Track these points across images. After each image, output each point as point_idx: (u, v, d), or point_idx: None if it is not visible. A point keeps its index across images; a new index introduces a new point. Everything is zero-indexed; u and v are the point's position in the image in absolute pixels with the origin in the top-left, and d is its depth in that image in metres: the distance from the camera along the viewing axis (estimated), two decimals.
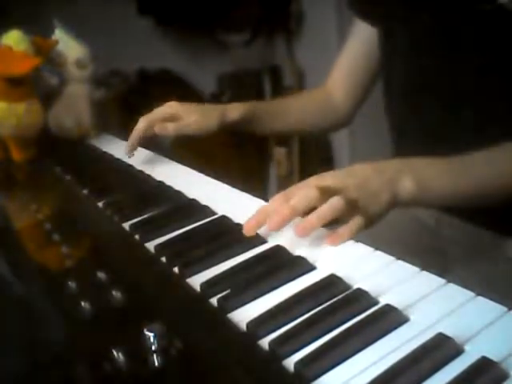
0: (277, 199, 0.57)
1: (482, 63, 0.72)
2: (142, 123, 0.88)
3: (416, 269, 0.47)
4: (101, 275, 0.52)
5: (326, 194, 0.55)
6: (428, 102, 0.81)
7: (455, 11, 0.73)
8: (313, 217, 0.53)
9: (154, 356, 0.40)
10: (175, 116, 0.88)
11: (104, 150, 1.09)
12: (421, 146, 0.83)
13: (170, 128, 0.87)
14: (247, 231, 0.56)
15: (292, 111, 1.00)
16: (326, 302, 0.43)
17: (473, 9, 0.71)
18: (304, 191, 0.55)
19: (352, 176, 0.59)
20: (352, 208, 0.56)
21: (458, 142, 0.66)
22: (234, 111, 0.90)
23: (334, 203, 0.53)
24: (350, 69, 0.99)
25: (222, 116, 0.89)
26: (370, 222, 0.58)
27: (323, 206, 0.53)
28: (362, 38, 0.94)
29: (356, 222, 0.55)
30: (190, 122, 0.87)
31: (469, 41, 0.73)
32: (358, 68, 0.97)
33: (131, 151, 0.91)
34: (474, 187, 0.65)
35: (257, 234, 0.57)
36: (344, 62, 0.99)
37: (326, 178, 0.58)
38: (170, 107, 0.89)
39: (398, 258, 0.49)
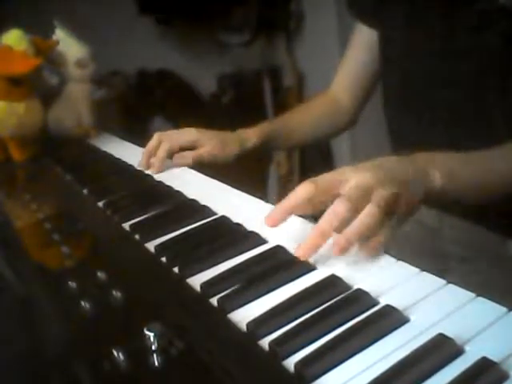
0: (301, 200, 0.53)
1: (483, 66, 0.72)
2: (162, 151, 0.88)
3: (416, 269, 0.47)
4: (101, 275, 0.52)
5: (359, 198, 0.50)
6: (426, 105, 0.81)
7: (454, 11, 0.73)
8: (348, 234, 0.49)
9: (154, 356, 0.40)
10: (193, 143, 0.88)
11: (104, 149, 1.09)
12: (420, 150, 0.83)
13: (190, 158, 0.87)
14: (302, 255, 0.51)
15: (304, 124, 1.01)
16: (326, 302, 0.43)
17: (472, 9, 0.71)
18: (332, 209, 0.50)
19: (381, 168, 0.54)
20: (391, 208, 0.51)
21: (459, 146, 0.66)
22: (252, 138, 0.91)
23: (366, 214, 0.50)
24: (353, 72, 0.99)
25: (240, 144, 0.90)
26: (406, 216, 0.54)
27: (357, 222, 0.49)
28: (364, 40, 0.94)
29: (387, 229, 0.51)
30: (209, 151, 0.88)
31: (469, 43, 0.73)
32: (362, 71, 0.98)
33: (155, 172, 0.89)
34: (495, 179, 0.64)
35: (257, 234, 0.57)
36: (347, 65, 1.00)
37: (355, 175, 0.53)
38: (190, 134, 0.89)
39: (399, 259, 0.49)
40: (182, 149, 0.89)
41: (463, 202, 0.66)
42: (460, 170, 0.61)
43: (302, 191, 0.53)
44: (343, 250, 0.49)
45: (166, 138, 0.90)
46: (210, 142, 0.88)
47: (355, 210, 0.50)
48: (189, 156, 0.87)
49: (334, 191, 0.53)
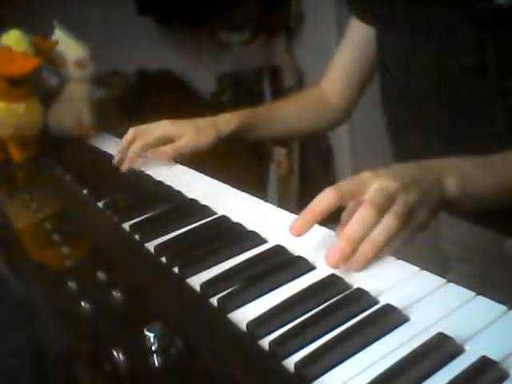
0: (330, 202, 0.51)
1: (480, 63, 0.72)
2: (137, 146, 0.88)
3: (416, 268, 0.47)
4: (101, 275, 0.52)
5: (383, 203, 0.50)
6: (425, 103, 0.81)
7: (452, 11, 0.73)
8: (367, 247, 0.48)
9: (154, 356, 0.40)
10: (169, 136, 0.89)
11: (104, 149, 1.09)
12: (420, 149, 0.82)
13: (167, 151, 0.87)
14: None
15: (287, 115, 1.00)
16: (326, 301, 0.43)
17: (470, 8, 0.71)
18: (358, 216, 0.49)
19: (402, 174, 0.53)
20: (408, 217, 0.51)
21: (458, 145, 0.65)
22: (228, 124, 0.91)
23: (388, 225, 0.49)
24: (345, 66, 0.98)
25: (216, 131, 0.89)
26: (421, 227, 0.53)
27: (376, 232, 0.49)
28: (359, 35, 0.94)
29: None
30: (186, 142, 0.88)
31: (467, 41, 0.73)
32: (354, 66, 0.97)
33: (126, 168, 0.91)
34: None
35: (257, 234, 0.57)
36: (339, 59, 0.99)
37: (377, 180, 0.51)
38: (165, 128, 0.90)
39: (398, 258, 0.49)
40: (159, 143, 0.89)
41: (481, 207, 0.64)
42: (476, 176, 0.60)
43: (325, 198, 0.51)
44: (369, 260, 0.48)
45: (141, 133, 0.90)
46: (185, 132, 0.88)
47: (380, 216, 0.49)
48: (167, 151, 0.88)
49: (356, 197, 0.51)
